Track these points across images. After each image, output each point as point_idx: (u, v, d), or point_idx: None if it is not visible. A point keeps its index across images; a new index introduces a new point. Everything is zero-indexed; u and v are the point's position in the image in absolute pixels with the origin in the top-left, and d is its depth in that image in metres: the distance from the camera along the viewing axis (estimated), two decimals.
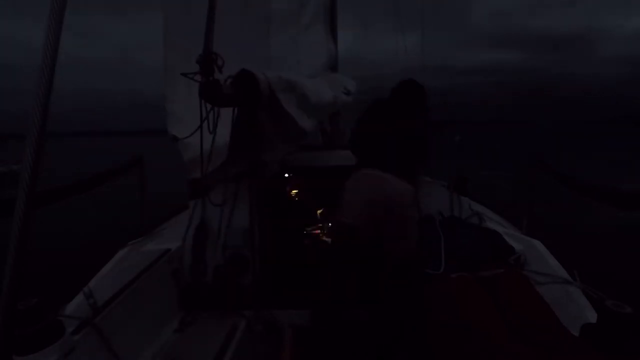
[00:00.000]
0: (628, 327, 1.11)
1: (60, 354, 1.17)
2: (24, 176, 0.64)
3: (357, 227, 1.52)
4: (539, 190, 2.23)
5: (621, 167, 18.53)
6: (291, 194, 2.98)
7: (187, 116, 1.89)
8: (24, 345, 1.11)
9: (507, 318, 1.24)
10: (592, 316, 1.35)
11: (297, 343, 1.93)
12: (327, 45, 3.28)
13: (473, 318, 1.24)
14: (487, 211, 2.41)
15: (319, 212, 2.95)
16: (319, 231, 2.86)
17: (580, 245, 5.47)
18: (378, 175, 1.50)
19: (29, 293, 1.06)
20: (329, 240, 2.81)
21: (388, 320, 1.70)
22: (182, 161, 2.05)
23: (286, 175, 2.90)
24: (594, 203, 1.69)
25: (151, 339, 1.78)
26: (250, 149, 1.76)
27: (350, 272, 1.73)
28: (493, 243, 1.90)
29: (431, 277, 1.63)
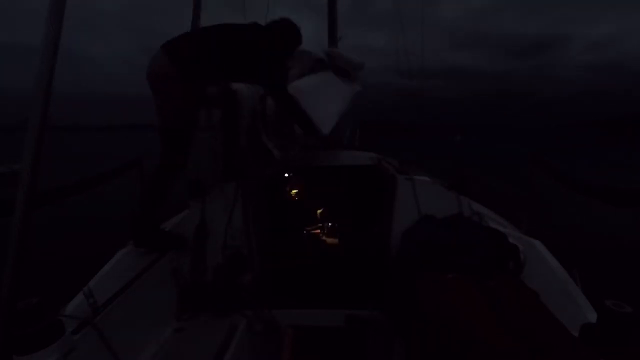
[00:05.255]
0: (628, 327, 1.11)
1: (60, 354, 1.17)
2: (24, 176, 0.63)
3: None
4: (539, 190, 2.23)
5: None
6: (291, 194, 2.99)
7: None
8: (24, 345, 1.11)
9: (506, 319, 1.24)
10: (592, 316, 1.35)
11: (297, 343, 1.93)
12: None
13: (469, 319, 1.24)
14: (487, 211, 2.41)
15: (319, 212, 2.95)
16: (319, 231, 2.87)
17: (580, 245, 5.47)
18: None
19: (29, 293, 1.06)
20: (329, 240, 2.82)
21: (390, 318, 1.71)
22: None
23: (286, 175, 2.90)
24: (590, 201, 1.70)
25: (151, 339, 1.77)
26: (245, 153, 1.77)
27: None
28: (499, 243, 1.90)
29: (430, 276, 1.63)
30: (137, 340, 1.67)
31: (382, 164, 2.49)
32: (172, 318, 1.99)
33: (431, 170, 2.89)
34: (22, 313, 1.11)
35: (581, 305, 1.51)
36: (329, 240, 2.81)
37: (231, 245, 2.17)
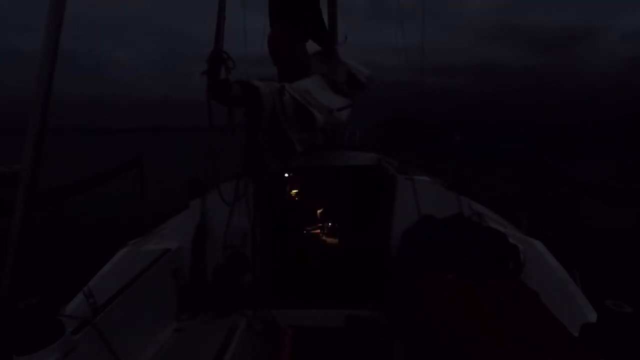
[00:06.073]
0: (628, 327, 1.11)
1: (60, 354, 1.17)
2: (24, 176, 0.63)
3: None
4: (539, 190, 2.24)
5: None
6: (291, 194, 2.99)
7: None
8: (24, 345, 1.11)
9: (506, 319, 1.24)
10: (592, 316, 1.35)
11: (297, 343, 1.93)
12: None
13: (469, 319, 1.24)
14: (487, 211, 2.41)
15: (319, 212, 2.95)
16: (319, 231, 2.87)
17: (580, 245, 5.47)
18: None
19: (29, 293, 1.06)
20: (329, 240, 2.82)
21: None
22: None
23: (286, 175, 2.90)
24: (589, 200, 1.70)
25: (151, 339, 1.78)
26: (252, 150, 1.77)
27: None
28: (499, 243, 1.90)
29: (430, 276, 1.63)
30: (137, 340, 1.67)
31: (382, 164, 2.49)
32: (172, 318, 1.99)
33: (432, 170, 2.89)
34: (22, 313, 1.11)
35: (581, 305, 1.51)
36: (329, 240, 2.81)
37: (231, 245, 2.17)
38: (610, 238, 6.84)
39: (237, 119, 1.61)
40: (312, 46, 2.86)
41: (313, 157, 2.53)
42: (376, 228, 2.38)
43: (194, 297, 2.08)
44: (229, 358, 1.68)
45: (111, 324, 1.43)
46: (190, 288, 2.11)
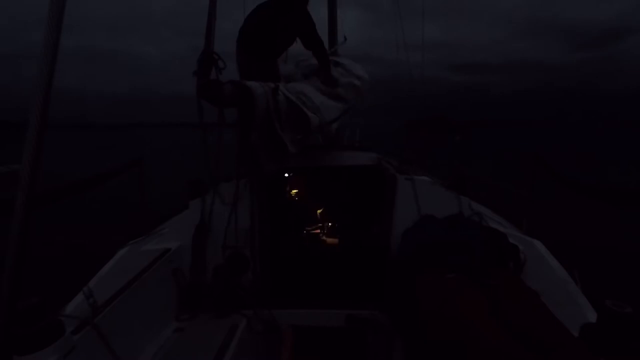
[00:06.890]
0: (628, 327, 1.11)
1: (60, 354, 1.17)
2: (24, 176, 0.63)
3: None
4: (539, 190, 2.24)
5: None
6: (291, 194, 2.99)
7: None
8: (24, 345, 1.11)
9: (506, 318, 1.24)
10: (592, 316, 1.35)
11: (297, 343, 1.94)
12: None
13: (469, 319, 1.24)
14: (487, 211, 2.41)
15: (319, 212, 2.95)
16: (319, 231, 2.87)
17: (580, 245, 5.46)
18: None
19: (29, 293, 1.06)
20: (328, 240, 2.82)
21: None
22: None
23: (286, 175, 2.90)
24: (589, 200, 1.70)
25: (151, 339, 1.77)
26: (248, 150, 1.77)
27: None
28: (498, 243, 1.91)
29: (430, 276, 1.63)
30: (137, 340, 1.67)
31: (382, 164, 2.49)
32: (172, 318, 1.99)
33: (432, 170, 2.89)
34: (22, 313, 1.11)
35: (581, 305, 1.51)
36: (329, 240, 2.81)
37: (231, 245, 2.17)
38: (610, 238, 6.84)
39: (230, 119, 1.61)
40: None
41: (313, 157, 2.53)
42: (376, 228, 2.38)
43: (194, 297, 2.08)
44: (229, 358, 1.68)
45: (111, 324, 1.43)
46: (190, 288, 2.11)
